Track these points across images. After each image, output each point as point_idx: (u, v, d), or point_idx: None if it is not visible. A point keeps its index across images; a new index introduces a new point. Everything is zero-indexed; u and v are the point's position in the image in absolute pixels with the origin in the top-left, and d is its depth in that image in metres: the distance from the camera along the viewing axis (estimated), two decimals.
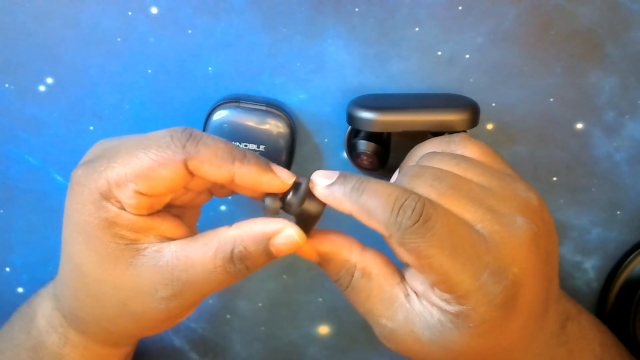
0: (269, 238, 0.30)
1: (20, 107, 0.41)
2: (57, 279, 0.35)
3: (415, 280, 0.31)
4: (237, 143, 0.39)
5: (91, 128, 0.42)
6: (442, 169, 0.31)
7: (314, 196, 0.31)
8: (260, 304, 0.46)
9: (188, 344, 0.47)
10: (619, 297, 0.44)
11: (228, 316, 0.46)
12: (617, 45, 0.40)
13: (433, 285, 0.29)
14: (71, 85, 0.41)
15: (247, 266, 0.31)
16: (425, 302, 0.30)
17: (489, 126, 0.42)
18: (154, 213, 0.32)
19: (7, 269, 0.45)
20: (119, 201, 0.30)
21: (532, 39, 0.40)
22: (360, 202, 0.29)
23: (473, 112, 0.38)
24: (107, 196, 0.30)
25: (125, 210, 0.31)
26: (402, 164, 0.36)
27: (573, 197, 0.44)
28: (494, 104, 0.41)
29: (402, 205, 0.28)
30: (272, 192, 0.31)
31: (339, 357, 0.47)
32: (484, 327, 0.29)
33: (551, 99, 0.41)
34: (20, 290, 0.45)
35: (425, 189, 0.30)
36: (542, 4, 0.39)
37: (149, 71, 0.40)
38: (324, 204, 0.31)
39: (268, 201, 0.31)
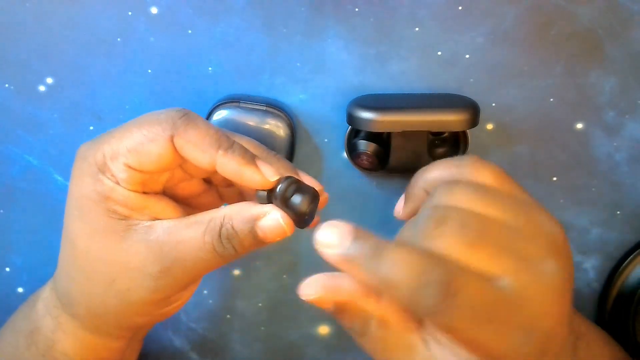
0: (255, 219, 0.31)
1: (20, 107, 0.41)
2: (58, 260, 0.36)
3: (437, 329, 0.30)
4: None
5: (91, 128, 0.42)
6: (467, 212, 0.28)
7: (303, 193, 0.31)
8: (260, 304, 0.46)
9: (188, 344, 0.47)
10: (619, 298, 0.44)
11: (228, 316, 0.46)
12: (617, 45, 0.40)
13: (465, 348, 0.28)
14: (71, 85, 0.41)
15: (234, 247, 0.31)
16: (446, 350, 0.29)
17: (489, 126, 0.42)
18: (150, 193, 0.32)
19: (7, 269, 0.45)
20: (113, 175, 0.31)
21: (532, 39, 0.40)
22: (379, 275, 0.26)
23: (473, 112, 0.38)
24: (103, 169, 0.31)
25: (119, 185, 0.31)
26: (408, 189, 0.34)
27: (573, 197, 0.43)
28: (494, 104, 0.41)
29: (426, 281, 0.25)
30: (255, 187, 0.31)
31: (339, 357, 0.47)
32: None
33: (551, 99, 0.41)
34: (20, 290, 0.45)
35: (453, 238, 0.27)
36: (542, 4, 0.39)
37: (149, 71, 0.40)
38: (311, 204, 0.31)
39: (260, 192, 0.32)
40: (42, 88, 0.41)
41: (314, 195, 0.32)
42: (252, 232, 0.31)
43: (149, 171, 0.31)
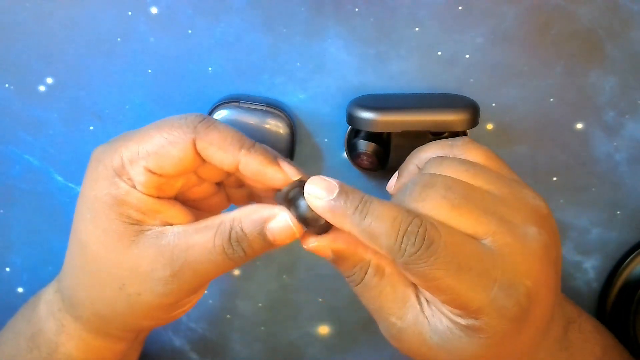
0: (265, 221, 0.30)
1: (20, 107, 0.41)
2: (64, 262, 0.36)
3: None
4: None
5: (91, 128, 0.42)
6: (453, 178, 0.30)
7: None
8: (260, 304, 0.46)
9: (188, 344, 0.47)
10: (619, 297, 0.44)
11: (228, 316, 0.46)
12: (617, 45, 0.40)
13: (443, 303, 0.29)
14: (71, 85, 0.41)
15: (244, 249, 0.31)
16: (434, 308, 0.30)
17: (489, 126, 0.42)
18: (163, 198, 0.32)
19: (7, 269, 0.45)
20: (130, 179, 0.31)
21: (532, 39, 0.40)
22: (363, 226, 0.28)
23: (473, 112, 0.38)
24: (119, 173, 0.31)
25: (135, 188, 0.31)
26: (401, 166, 0.36)
27: (573, 197, 0.44)
28: (494, 104, 0.41)
29: (405, 231, 0.27)
30: (276, 186, 0.31)
31: (339, 357, 0.47)
32: (495, 339, 0.29)
33: (551, 99, 0.41)
34: (20, 290, 0.45)
35: (437, 200, 0.29)
36: (542, 4, 0.39)
37: (149, 71, 0.40)
38: None
39: (277, 194, 0.31)
40: (42, 88, 0.41)
41: None
42: (262, 234, 0.31)
43: (168, 174, 0.31)
